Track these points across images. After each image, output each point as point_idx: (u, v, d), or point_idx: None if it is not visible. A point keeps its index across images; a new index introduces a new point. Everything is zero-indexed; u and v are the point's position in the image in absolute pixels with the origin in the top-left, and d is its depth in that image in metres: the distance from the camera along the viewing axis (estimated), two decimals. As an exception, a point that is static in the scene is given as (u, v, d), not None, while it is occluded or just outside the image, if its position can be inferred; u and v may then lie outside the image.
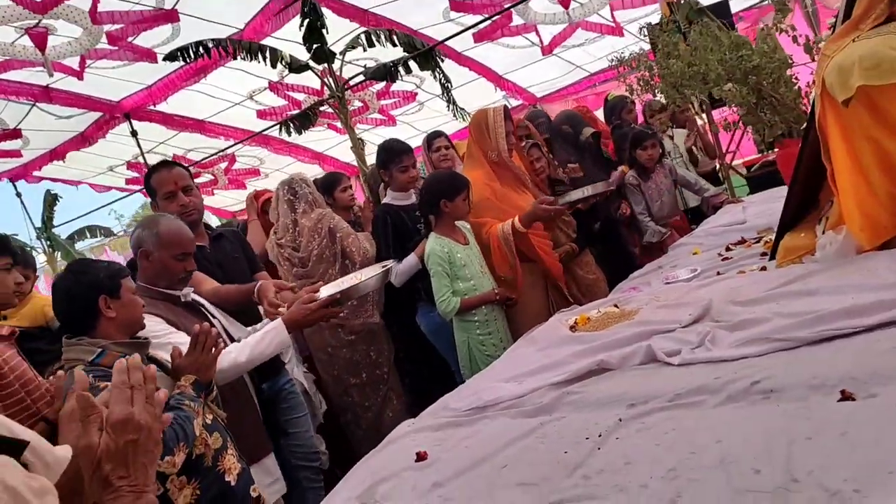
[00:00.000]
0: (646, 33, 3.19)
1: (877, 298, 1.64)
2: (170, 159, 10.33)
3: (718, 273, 2.52)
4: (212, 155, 10.75)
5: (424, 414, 2.02)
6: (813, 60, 2.77)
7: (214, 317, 2.67)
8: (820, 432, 1.22)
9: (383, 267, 2.83)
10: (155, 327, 2.37)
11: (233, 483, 2.18)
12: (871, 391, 1.30)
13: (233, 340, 2.64)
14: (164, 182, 2.97)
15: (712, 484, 1.18)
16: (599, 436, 1.48)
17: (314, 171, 10.78)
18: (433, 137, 4.27)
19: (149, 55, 7.76)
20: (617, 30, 8.76)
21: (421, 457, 1.65)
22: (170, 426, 1.97)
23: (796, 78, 2.96)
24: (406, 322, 3.78)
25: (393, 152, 3.81)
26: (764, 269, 2.35)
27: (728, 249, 2.82)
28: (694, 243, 3.22)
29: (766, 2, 8.80)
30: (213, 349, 2.24)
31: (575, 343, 2.14)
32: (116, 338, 2.15)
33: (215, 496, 2.14)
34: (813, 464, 1.13)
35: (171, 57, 7.26)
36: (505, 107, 3.58)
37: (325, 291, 2.59)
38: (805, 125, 2.28)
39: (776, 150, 3.26)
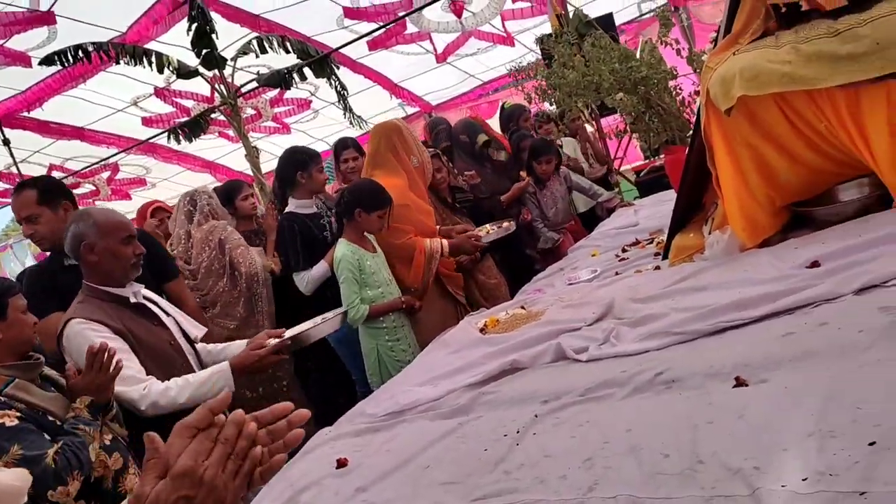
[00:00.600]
0: (539, 44, 3.31)
1: (762, 291, 1.79)
2: (27, 180, 9.78)
3: (617, 273, 2.65)
4: (93, 164, 10.20)
5: (341, 421, 2.02)
6: (695, 72, 2.97)
7: (168, 315, 2.56)
8: (719, 417, 1.32)
9: (336, 314, 2.82)
10: (89, 338, 2.23)
11: None
12: (762, 377, 1.41)
13: (189, 340, 2.56)
14: (13, 208, 2.80)
15: (626, 470, 1.25)
16: (517, 432, 1.53)
17: (206, 180, 10.45)
18: (343, 148, 4.26)
19: (23, 59, 7.31)
20: (508, 40, 9.01)
21: (342, 463, 1.65)
22: (62, 454, 1.89)
23: (679, 88, 3.16)
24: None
25: (308, 154, 3.77)
26: (658, 268, 2.49)
27: (624, 251, 2.97)
28: (592, 246, 3.37)
29: (646, 16, 9.31)
30: (112, 368, 2.14)
31: (486, 345, 2.20)
32: (4, 360, 2.02)
33: None
34: (715, 446, 1.22)
35: (47, 61, 6.87)
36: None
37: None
38: (691, 132, 2.44)
39: (662, 156, 3.46)
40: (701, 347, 1.67)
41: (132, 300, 2.43)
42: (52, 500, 1.86)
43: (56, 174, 10.35)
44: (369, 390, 3.54)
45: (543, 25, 7.71)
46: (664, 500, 1.13)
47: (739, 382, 1.42)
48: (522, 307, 2.51)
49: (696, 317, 1.79)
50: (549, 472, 1.33)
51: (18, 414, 1.93)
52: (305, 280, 3.50)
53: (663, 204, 2.69)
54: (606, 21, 5.97)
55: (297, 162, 3.72)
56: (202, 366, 2.59)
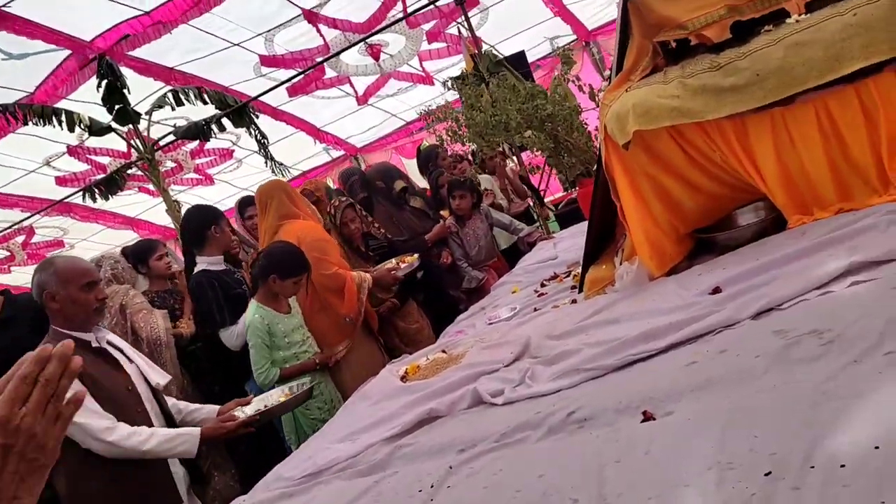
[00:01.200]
0: (450, 86, 3.36)
1: (668, 321, 1.81)
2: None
3: (535, 309, 2.66)
4: (6, 228, 9.78)
5: (257, 487, 1.94)
6: (597, 106, 3.05)
7: (132, 361, 2.58)
8: (627, 454, 1.31)
9: (302, 387, 2.81)
10: None
11: None
12: (667, 409, 1.42)
13: (150, 387, 2.58)
14: None
15: (536, 520, 1.23)
16: (431, 486, 1.49)
17: (128, 238, 10.13)
18: (246, 205, 4.27)
19: (-79, 124, 6.98)
20: (427, 79, 9.13)
21: (253, 536, 1.58)
22: None
23: (586, 123, 3.24)
24: (235, 389, 3.61)
25: (216, 211, 3.73)
26: (574, 301, 2.51)
27: (543, 285, 2.99)
28: (513, 282, 3.38)
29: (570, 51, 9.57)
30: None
31: (406, 393, 2.16)
32: None
33: None
34: (622, 485, 1.22)
35: (-52, 126, 6.60)
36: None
37: (250, 409, 2.66)
38: (595, 167, 2.49)
39: (577, 188, 3.53)
40: (611, 382, 1.68)
41: (94, 344, 2.48)
42: None
43: (-35, 240, 9.90)
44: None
45: (460, 64, 7.84)
46: (571, 549, 1.11)
47: (647, 417, 1.42)
48: (444, 351, 2.48)
49: (606, 351, 1.80)
50: (461, 527, 1.30)
51: None
52: (234, 335, 3.41)
53: (582, 235, 2.73)
54: (519, 59, 6.12)
55: (209, 217, 3.66)
56: (164, 415, 2.62)
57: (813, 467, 1.02)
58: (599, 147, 2.35)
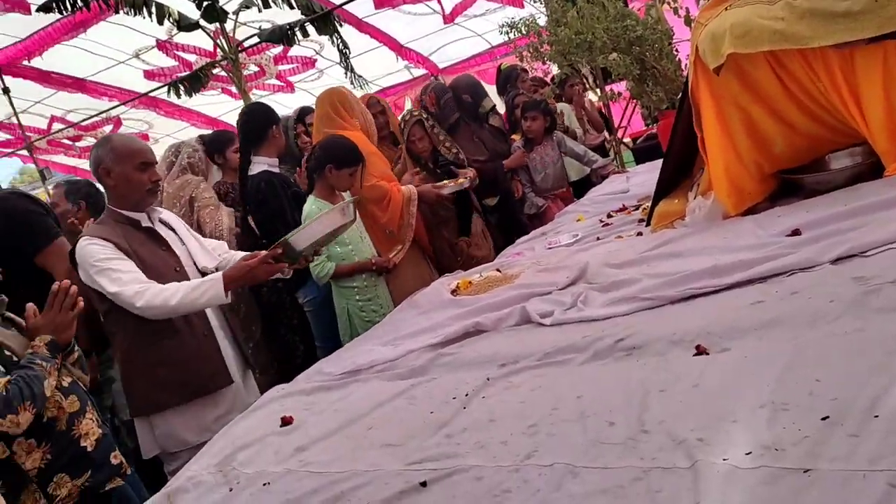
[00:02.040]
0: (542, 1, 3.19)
1: (737, 259, 1.70)
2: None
3: (598, 238, 2.56)
4: (94, 116, 10.10)
5: (298, 378, 1.96)
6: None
7: (184, 243, 2.60)
8: (673, 384, 1.24)
9: (332, 209, 2.54)
10: (97, 253, 2.32)
11: (89, 448, 2.08)
12: (724, 346, 1.34)
13: (198, 269, 2.58)
14: None
15: (569, 437, 1.18)
16: (466, 395, 1.46)
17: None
18: (306, 113, 4.24)
19: (20, 6, 7.17)
20: (517, 0, 8.80)
21: (286, 421, 1.59)
22: (14, 383, 1.87)
23: (677, 50, 3.04)
24: (279, 299, 3.60)
25: (275, 112, 3.67)
26: (640, 234, 2.40)
27: (609, 216, 2.88)
28: (579, 211, 3.27)
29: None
30: (73, 309, 2.12)
31: (454, 306, 2.13)
32: None
33: (68, 462, 2.03)
34: (664, 415, 1.15)
35: (45, 8, 6.73)
36: None
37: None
38: (680, 95, 2.33)
39: (659, 121, 3.35)
40: (667, 314, 1.59)
41: (143, 224, 2.50)
42: (1, 430, 1.83)
43: (57, 126, 10.28)
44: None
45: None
46: (600, 470, 1.06)
47: (700, 351, 1.34)
48: (498, 270, 2.43)
49: (667, 283, 1.71)
50: (491, 437, 1.27)
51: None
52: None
53: (656, 171, 2.59)
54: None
55: (271, 116, 3.58)
56: None
57: (877, 416, 0.93)
58: (688, 71, 2.19)
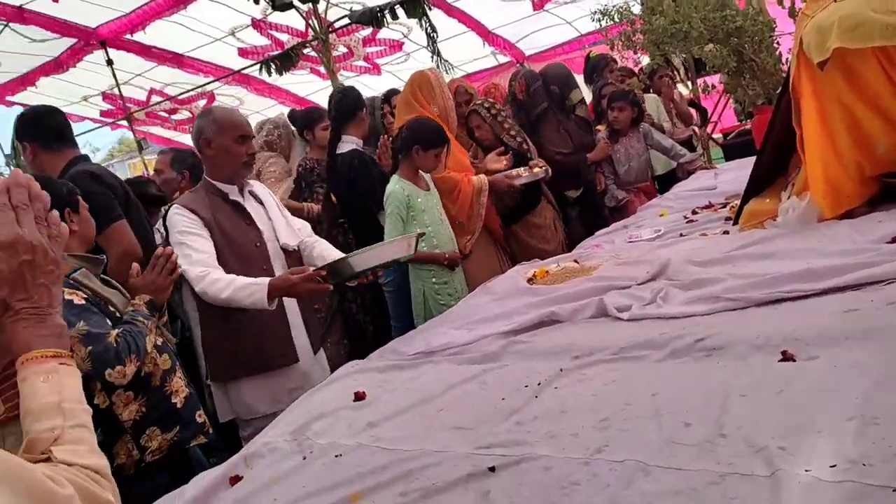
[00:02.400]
0: (634, -11, 3.11)
1: (831, 264, 1.63)
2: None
3: (682, 235, 2.49)
4: (190, 90, 10.49)
5: (372, 356, 2.00)
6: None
7: (270, 218, 2.66)
8: (756, 390, 1.20)
9: (387, 242, 2.60)
10: (179, 223, 2.43)
11: (179, 405, 2.19)
12: (812, 353, 1.28)
13: (282, 248, 2.64)
14: None
15: (641, 434, 1.16)
16: (539, 384, 1.46)
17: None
18: (393, 94, 4.31)
19: (127, -19, 7.50)
20: (611, -11, 8.59)
21: (359, 396, 1.62)
22: (122, 337, 1.99)
23: (778, 43, 2.91)
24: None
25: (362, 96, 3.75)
26: (726, 232, 2.32)
27: (694, 213, 2.79)
28: (663, 205, 3.19)
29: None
30: (172, 274, 2.24)
31: (530, 295, 2.12)
32: (75, 251, 2.12)
33: (160, 416, 2.14)
34: (744, 420, 1.12)
35: (149, -17, 7.04)
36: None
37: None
38: (780, 90, 2.24)
39: (753, 116, 3.22)
40: (752, 317, 1.54)
41: (231, 196, 2.58)
42: (107, 378, 1.96)
43: (155, 98, 10.72)
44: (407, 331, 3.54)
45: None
46: (674, 471, 1.04)
47: (786, 357, 1.29)
48: (576, 261, 2.40)
49: (753, 284, 1.65)
50: (561, 428, 1.26)
51: (85, 296, 2.04)
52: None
53: (747, 169, 2.50)
54: (716, -28, 5.57)
55: (361, 99, 3.70)
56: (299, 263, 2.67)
57: (980, 439, 0.88)
58: (789, 64, 2.10)
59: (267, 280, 2.33)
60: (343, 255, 2.47)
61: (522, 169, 3.61)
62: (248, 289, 2.33)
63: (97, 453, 0.83)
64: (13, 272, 0.84)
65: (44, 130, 2.74)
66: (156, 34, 8.98)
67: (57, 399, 0.82)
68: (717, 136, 6.23)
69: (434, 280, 3.08)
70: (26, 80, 9.60)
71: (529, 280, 2.30)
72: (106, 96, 10.56)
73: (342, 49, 9.99)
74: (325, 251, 2.72)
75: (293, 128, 4.34)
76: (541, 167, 3.64)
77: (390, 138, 3.54)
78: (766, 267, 1.77)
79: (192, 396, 2.28)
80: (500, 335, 1.84)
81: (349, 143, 3.58)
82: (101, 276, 2.26)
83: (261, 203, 2.68)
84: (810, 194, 2.04)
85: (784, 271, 1.66)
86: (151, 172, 6.73)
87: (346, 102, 3.65)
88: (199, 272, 2.37)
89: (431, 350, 1.88)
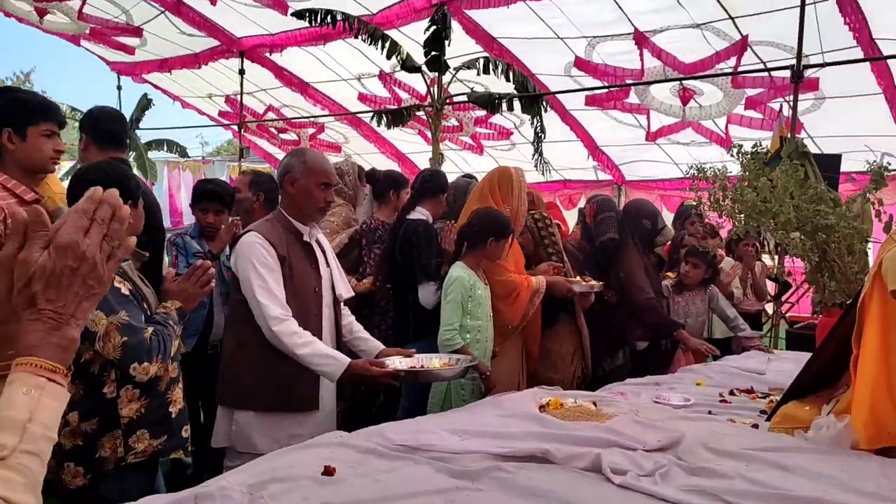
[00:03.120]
0: (735, 154, 3.09)
1: (846, 501, 1.52)
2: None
3: (710, 412, 2.39)
4: (305, 117, 10.97)
5: (360, 432, 1.96)
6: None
7: (328, 266, 2.74)
8: None
9: (463, 362, 2.69)
10: (260, 254, 2.49)
11: (173, 415, 2.20)
12: None
13: (335, 297, 2.72)
14: None
15: None
16: (502, 524, 1.39)
17: (391, 166, 10.86)
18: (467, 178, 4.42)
19: (280, 5, 7.98)
20: (726, 142, 8.60)
21: (328, 471, 1.59)
22: (156, 336, 2.05)
23: (868, 251, 2.83)
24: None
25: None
26: (756, 426, 2.21)
27: (731, 394, 2.68)
28: (703, 374, 3.07)
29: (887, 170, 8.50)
30: (205, 287, 2.31)
31: (535, 423, 2.06)
32: None
33: (154, 421, 2.16)
34: None
35: (299, 15, 7.46)
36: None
37: (406, 363, 2.63)
38: (850, 300, 2.16)
39: (822, 315, 3.11)
40: (744, 530, 1.44)
41: (304, 238, 2.65)
42: (130, 372, 2.02)
43: (270, 115, 11.25)
44: (417, 409, 3.49)
45: (767, 140, 7.27)
46: None
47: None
48: (594, 403, 2.32)
49: (762, 495, 1.56)
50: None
51: (130, 287, 2.10)
52: (433, 291, 3.41)
53: (801, 365, 2.40)
54: (832, 161, 5.50)
55: (446, 185, 3.89)
56: (336, 327, 2.74)
57: None
58: (866, 281, 2.02)
59: (348, 360, 2.41)
60: (389, 357, 2.64)
61: (581, 279, 3.59)
62: (326, 359, 2.43)
63: (32, 493, 0.80)
64: (54, 272, 0.85)
65: (100, 132, 2.91)
66: (290, 59, 9.50)
67: (26, 417, 0.81)
68: (789, 316, 6.04)
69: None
70: (164, 65, 10.28)
71: (541, 407, 2.24)
72: (228, 100, 11.18)
73: (453, 121, 10.29)
74: (355, 325, 2.84)
75: (367, 183, 4.44)
76: (595, 282, 3.61)
77: (454, 221, 3.59)
78: (779, 479, 1.66)
79: (184, 410, 2.29)
80: (488, 455, 1.78)
81: (421, 214, 3.70)
82: (143, 267, 2.33)
83: (323, 251, 2.74)
84: (851, 418, 1.93)
85: (797, 492, 1.57)
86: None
87: (433, 183, 3.84)
88: (279, 313, 2.44)
89: (417, 446, 1.83)
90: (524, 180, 3.55)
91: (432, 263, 3.50)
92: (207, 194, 3.54)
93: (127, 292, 2.10)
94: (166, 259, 3.23)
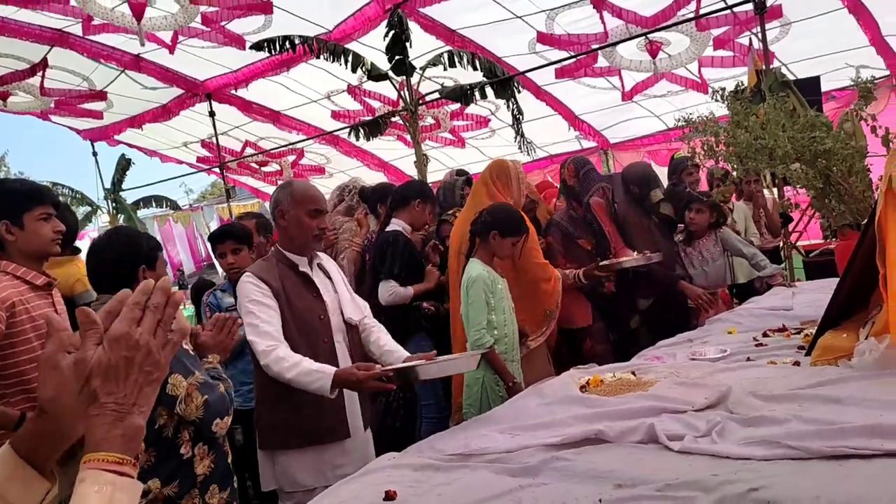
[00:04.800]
0: (719, 97, 3.07)
1: (906, 421, 1.51)
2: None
3: (748, 359, 2.38)
4: (282, 146, 10.95)
5: (410, 449, 1.95)
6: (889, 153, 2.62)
7: (335, 291, 2.73)
8: (806, 562, 1.11)
9: (458, 356, 2.68)
10: (250, 292, 2.51)
11: (230, 465, 2.25)
12: (875, 526, 1.18)
13: (345, 321, 2.70)
14: None
15: None
16: (574, 513, 1.38)
17: (378, 177, 10.85)
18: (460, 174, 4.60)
19: (238, 41, 7.96)
20: (702, 86, 8.58)
21: (390, 496, 1.58)
22: (227, 392, 2.10)
23: (870, 169, 2.81)
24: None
25: (429, 191, 4.04)
26: (797, 363, 2.20)
27: (765, 335, 2.67)
28: (732, 321, 3.06)
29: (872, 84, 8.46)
30: (235, 334, 2.34)
31: (580, 405, 2.05)
32: None
33: (220, 474, 2.19)
34: None
35: (258, 46, 7.44)
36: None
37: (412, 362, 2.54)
38: (866, 221, 2.14)
39: (838, 239, 3.09)
40: (814, 471, 1.43)
41: (301, 268, 2.65)
42: (213, 428, 2.06)
43: (249, 150, 11.23)
44: (438, 420, 3.49)
45: (742, 76, 7.24)
46: None
47: (845, 527, 1.19)
48: (633, 373, 2.31)
49: (818, 433, 1.54)
50: (590, 569, 1.19)
51: (191, 348, 2.12)
52: (391, 291, 3.62)
53: (828, 292, 2.38)
54: (811, 84, 5.49)
55: (419, 191, 3.94)
56: (355, 349, 2.72)
57: None
58: (877, 199, 2.01)
59: (333, 370, 2.37)
60: (411, 362, 2.52)
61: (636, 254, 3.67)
62: (312, 375, 2.37)
63: None
64: (111, 364, 0.86)
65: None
66: (257, 91, 9.48)
67: None
68: (801, 246, 6.03)
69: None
70: (134, 122, 10.26)
71: (582, 388, 2.23)
72: (204, 144, 11.15)
73: (430, 120, 10.27)
74: (383, 339, 2.77)
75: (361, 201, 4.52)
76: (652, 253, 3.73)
77: (434, 242, 3.69)
78: (834, 412, 1.66)
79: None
80: (543, 447, 1.77)
81: (396, 225, 3.84)
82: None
83: (328, 277, 2.73)
84: (891, 337, 1.91)
85: (854, 422, 1.55)
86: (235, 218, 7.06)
87: (404, 191, 3.97)
88: (267, 346, 2.42)
89: (470, 452, 1.82)
90: (522, 172, 3.56)
91: (395, 265, 3.67)
92: (217, 238, 3.61)
93: (193, 353, 2.13)
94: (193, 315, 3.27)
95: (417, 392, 3.60)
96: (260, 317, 2.46)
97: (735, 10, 6.90)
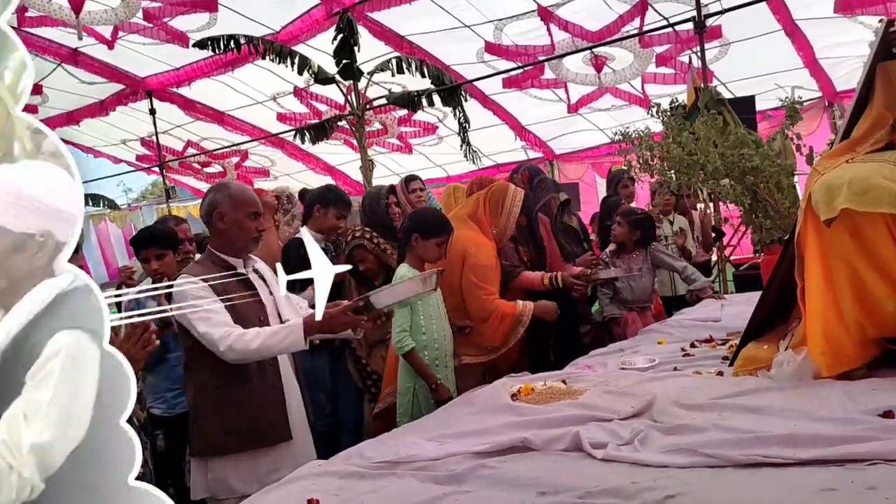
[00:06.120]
0: (654, 113, 3.16)
1: (818, 431, 1.57)
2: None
3: (675, 368, 2.43)
4: (226, 147, 10.78)
5: (338, 456, 1.94)
6: (813, 172, 2.72)
7: (272, 294, 2.66)
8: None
9: (420, 275, 2.68)
10: (191, 290, 2.42)
11: None
12: (782, 533, 1.21)
13: (281, 320, 2.62)
14: None
15: None
16: (495, 521, 1.39)
17: (324, 181, 10.74)
18: (411, 179, 4.51)
19: (181, 38, 7.81)
20: (645, 102, 8.78)
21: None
22: None
23: (796, 186, 2.91)
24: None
25: (337, 196, 3.92)
26: (720, 374, 2.26)
27: (693, 346, 2.73)
28: (663, 332, 3.13)
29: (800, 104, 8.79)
30: (147, 347, 2.20)
31: (509, 413, 2.06)
32: None
33: None
34: None
35: (201, 45, 7.33)
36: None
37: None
38: (787, 236, 2.22)
39: (763, 254, 3.20)
40: (728, 479, 1.47)
41: (240, 270, 2.59)
42: None
43: (191, 150, 11.01)
44: (325, 423, 3.54)
45: (682, 94, 7.46)
46: None
47: (754, 533, 1.23)
48: (564, 381, 2.34)
49: (735, 442, 1.59)
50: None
51: None
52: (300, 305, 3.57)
53: (754, 305, 2.46)
54: (746, 103, 5.68)
55: (320, 198, 3.85)
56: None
57: None
58: (798, 216, 2.09)
59: (300, 319, 2.34)
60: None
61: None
62: (280, 333, 2.34)
63: None
64: None
65: None
66: (200, 90, 9.31)
67: None
68: (734, 257, 6.21)
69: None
70: (71, 118, 9.94)
71: (513, 395, 2.25)
72: (144, 142, 10.87)
73: (377, 125, 10.24)
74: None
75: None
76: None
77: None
78: (751, 422, 1.71)
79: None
80: (470, 455, 1.77)
81: (302, 234, 3.74)
82: None
83: (263, 279, 2.69)
84: (808, 349, 1.99)
85: (769, 431, 1.61)
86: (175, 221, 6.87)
87: (307, 200, 3.98)
88: (222, 332, 2.36)
89: (398, 460, 1.81)
90: (520, 201, 3.44)
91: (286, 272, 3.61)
92: (140, 242, 3.40)
93: None
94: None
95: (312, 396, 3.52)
96: (210, 308, 2.38)
97: (676, 28, 7.10)
